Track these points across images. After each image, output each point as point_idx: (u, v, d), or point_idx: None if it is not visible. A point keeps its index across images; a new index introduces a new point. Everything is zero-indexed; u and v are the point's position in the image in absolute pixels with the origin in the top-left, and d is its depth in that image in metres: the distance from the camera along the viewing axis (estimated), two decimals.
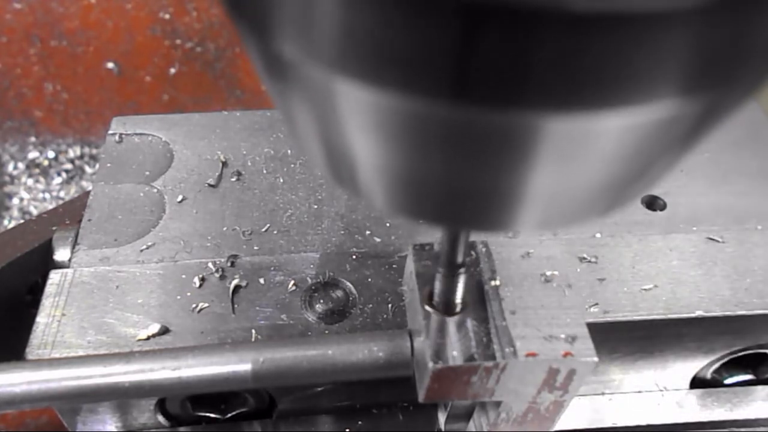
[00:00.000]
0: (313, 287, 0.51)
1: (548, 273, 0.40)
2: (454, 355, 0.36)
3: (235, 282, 0.51)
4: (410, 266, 0.41)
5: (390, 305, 0.50)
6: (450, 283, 0.37)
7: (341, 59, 0.17)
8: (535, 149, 0.18)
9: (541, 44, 0.15)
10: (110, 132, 0.64)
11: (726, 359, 0.54)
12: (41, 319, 0.47)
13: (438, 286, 0.37)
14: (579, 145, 0.18)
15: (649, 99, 0.16)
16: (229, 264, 0.52)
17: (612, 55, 0.15)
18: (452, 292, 0.37)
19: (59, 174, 1.55)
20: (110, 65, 1.43)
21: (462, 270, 0.36)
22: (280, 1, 0.17)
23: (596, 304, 0.49)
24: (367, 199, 0.24)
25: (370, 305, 0.50)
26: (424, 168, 0.20)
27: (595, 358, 0.36)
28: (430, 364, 0.36)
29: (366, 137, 0.20)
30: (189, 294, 0.50)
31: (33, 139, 1.55)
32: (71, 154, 1.56)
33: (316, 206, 0.58)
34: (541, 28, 0.14)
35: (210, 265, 0.52)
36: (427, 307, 0.38)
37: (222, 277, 0.51)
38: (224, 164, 0.61)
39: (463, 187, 0.21)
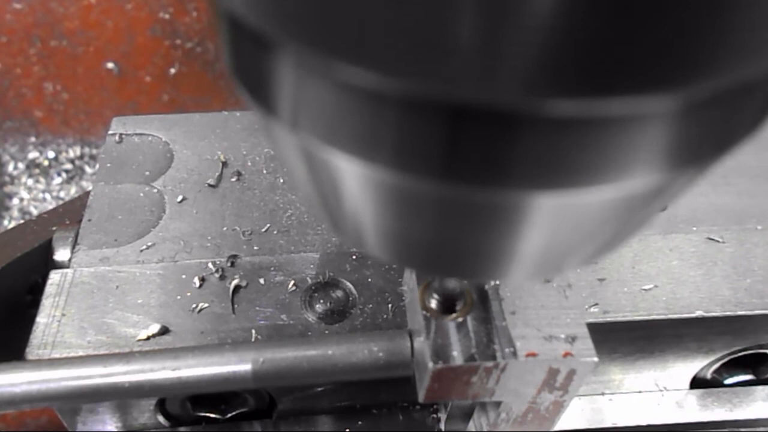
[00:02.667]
0: (313, 287, 0.51)
1: None
2: (454, 355, 0.36)
3: (235, 282, 0.51)
4: None
5: (390, 305, 0.50)
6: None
7: (335, 136, 0.18)
8: (521, 220, 0.20)
9: (521, 138, 0.16)
10: (110, 132, 0.64)
11: (726, 359, 0.54)
12: (41, 319, 0.47)
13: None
14: (563, 216, 0.19)
15: (627, 178, 0.17)
16: (229, 264, 0.52)
17: (588, 147, 0.16)
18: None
19: (59, 174, 1.55)
20: (110, 65, 1.43)
21: (456, 313, 0.37)
22: (279, 80, 0.18)
23: (596, 304, 0.49)
24: (364, 249, 0.25)
25: (370, 305, 0.50)
26: (415, 231, 0.22)
27: (595, 358, 0.36)
28: (430, 364, 0.36)
29: (358, 202, 0.21)
30: (189, 294, 0.50)
31: (33, 139, 1.55)
32: (71, 154, 1.56)
33: None
34: (521, 127, 0.15)
35: (210, 265, 0.52)
36: (427, 307, 0.38)
37: (222, 277, 0.51)
38: (224, 164, 0.61)
39: (453, 248, 0.22)
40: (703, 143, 0.17)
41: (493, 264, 0.23)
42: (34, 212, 1.51)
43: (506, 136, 0.16)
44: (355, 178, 0.19)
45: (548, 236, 0.21)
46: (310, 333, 0.48)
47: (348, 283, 0.51)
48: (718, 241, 0.53)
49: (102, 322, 0.48)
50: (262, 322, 0.48)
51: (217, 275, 0.51)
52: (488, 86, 0.15)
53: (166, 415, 0.51)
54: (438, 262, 0.24)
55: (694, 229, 0.55)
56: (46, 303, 0.48)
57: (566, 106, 0.15)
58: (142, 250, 0.53)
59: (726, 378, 0.56)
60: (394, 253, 0.24)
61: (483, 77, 0.15)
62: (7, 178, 1.54)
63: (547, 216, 0.19)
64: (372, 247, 0.24)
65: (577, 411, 0.54)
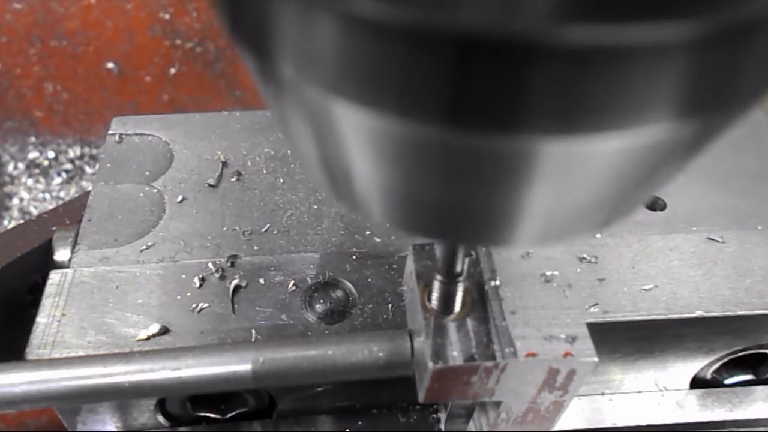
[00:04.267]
0: (313, 287, 0.51)
1: (548, 273, 0.40)
2: (454, 355, 0.36)
3: (235, 282, 0.51)
4: (410, 266, 0.41)
5: (390, 305, 0.50)
6: (449, 290, 0.37)
7: (339, 83, 0.17)
8: (531, 171, 0.19)
9: (533, 75, 0.15)
10: (110, 132, 0.64)
11: (726, 359, 0.54)
12: (41, 319, 0.47)
13: (437, 290, 0.37)
14: (574, 167, 0.18)
15: (642, 123, 0.17)
16: (229, 264, 0.52)
17: (604, 84, 0.15)
18: (451, 298, 0.37)
19: (59, 174, 1.55)
20: (110, 65, 1.43)
21: (461, 278, 0.36)
22: (280, 26, 0.17)
23: (596, 304, 0.49)
24: (364, 214, 0.24)
25: (370, 305, 0.50)
26: (421, 187, 0.21)
27: (595, 358, 0.36)
28: (430, 364, 0.36)
29: (363, 157, 0.20)
30: (189, 294, 0.50)
31: (33, 139, 1.55)
32: (71, 154, 1.56)
33: (316, 206, 0.58)
34: (534, 61, 0.15)
35: (210, 265, 0.52)
36: (427, 307, 0.38)
37: (222, 277, 0.51)
38: (224, 164, 0.61)
39: (460, 205, 0.21)
40: (723, 86, 0.16)
41: (501, 224, 0.22)
42: (34, 212, 1.51)
43: (518, 70, 0.15)
44: (359, 131, 0.19)
45: (559, 192, 0.20)
46: (310, 333, 0.48)
47: (348, 283, 0.51)
48: (718, 241, 0.53)
49: (102, 322, 0.48)
50: (262, 322, 0.48)
51: (217, 275, 0.51)
52: (500, 14, 0.14)
53: (166, 415, 0.51)
54: (444, 224, 0.23)
55: (694, 229, 0.55)
56: (46, 303, 0.48)
57: (585, 34, 0.14)
58: (142, 250, 0.53)
59: (726, 378, 0.56)
60: (398, 217, 0.23)
61: (494, 5, 0.14)
62: (7, 178, 1.54)
63: (559, 167, 0.18)
64: (376, 211, 0.24)
65: (577, 411, 0.54)
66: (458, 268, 0.36)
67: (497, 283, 0.40)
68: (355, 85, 0.17)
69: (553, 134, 0.17)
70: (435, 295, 0.38)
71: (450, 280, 0.36)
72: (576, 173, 0.19)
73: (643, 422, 0.54)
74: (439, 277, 0.36)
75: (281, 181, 0.60)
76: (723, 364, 0.54)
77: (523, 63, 0.15)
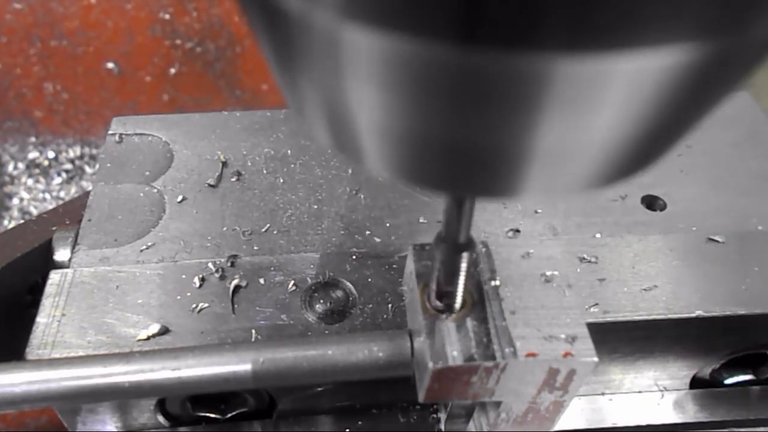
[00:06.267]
0: (313, 287, 0.51)
1: (548, 273, 0.40)
2: (454, 355, 0.36)
3: (235, 282, 0.51)
4: (410, 266, 0.41)
5: (390, 305, 0.50)
6: (452, 266, 0.35)
7: (349, 5, 0.17)
8: (544, 97, 0.18)
9: None
10: (110, 132, 0.64)
11: (726, 359, 0.54)
12: (41, 319, 0.47)
13: (439, 271, 0.36)
14: (588, 92, 0.18)
15: (664, 41, 0.16)
16: (229, 264, 0.52)
17: None
18: (454, 279, 0.36)
19: (59, 174, 1.55)
20: (110, 65, 1.43)
21: (465, 253, 0.34)
22: None
23: (596, 304, 0.49)
24: (368, 164, 0.23)
25: (370, 305, 0.50)
26: (430, 123, 0.20)
27: (595, 358, 0.36)
28: (430, 364, 0.36)
29: (369, 91, 0.20)
30: (189, 294, 0.50)
31: (33, 139, 1.55)
32: (71, 154, 1.56)
33: (316, 206, 0.58)
34: None
35: (210, 265, 0.52)
36: (427, 307, 0.38)
37: (222, 277, 0.51)
38: (224, 164, 0.61)
39: (467, 144, 0.20)
40: (743, 7, 0.16)
41: (511, 167, 0.21)
42: (34, 212, 1.51)
43: None
44: (368, 60, 0.18)
45: (572, 125, 0.19)
46: (310, 333, 0.48)
47: (348, 283, 0.51)
48: (718, 241, 0.53)
49: (102, 322, 0.48)
50: (262, 322, 0.48)
51: (217, 275, 0.51)
52: None
53: (166, 415, 0.51)
54: (450, 169, 0.22)
55: (694, 229, 0.55)
56: (46, 303, 0.48)
57: None
58: (142, 250, 0.53)
59: (726, 378, 0.56)
60: (403, 164, 0.22)
61: None
62: (7, 178, 1.54)
63: (572, 92, 0.17)
64: (380, 159, 0.22)
65: (577, 411, 0.54)
66: (462, 237, 0.34)
67: (497, 283, 0.40)
68: (367, 5, 0.16)
69: (568, 52, 0.16)
70: (435, 294, 0.38)
71: (455, 252, 0.34)
72: (589, 101, 0.18)
73: (643, 422, 0.54)
74: (441, 257, 0.35)
75: (281, 181, 0.60)
76: (723, 364, 0.54)
77: None
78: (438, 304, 0.38)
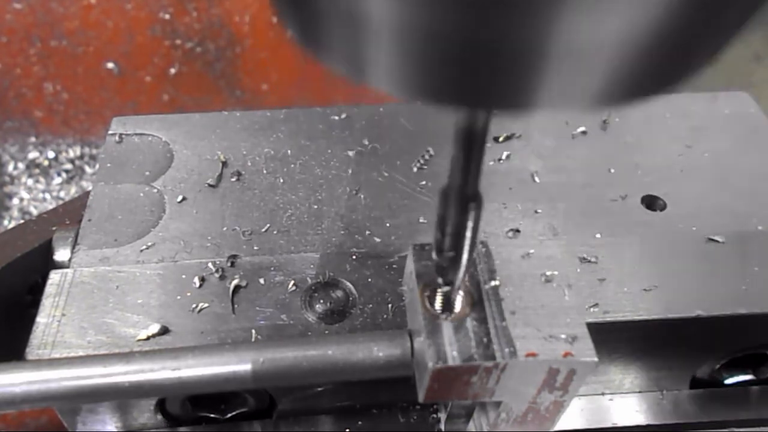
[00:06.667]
0: (313, 287, 0.51)
1: (548, 273, 0.40)
2: (454, 355, 0.36)
3: (235, 282, 0.51)
4: (410, 266, 0.41)
5: (390, 305, 0.50)
6: (457, 224, 0.32)
7: None
8: None
9: None
10: (110, 132, 0.64)
11: (726, 359, 0.54)
12: (41, 319, 0.47)
13: (442, 233, 0.34)
14: None
15: None
16: (229, 264, 0.52)
17: None
18: (458, 241, 0.34)
19: (59, 174, 1.55)
20: (110, 65, 1.43)
21: (473, 205, 0.31)
22: None
23: (596, 304, 0.49)
24: (374, 78, 0.22)
25: (370, 305, 0.50)
26: (443, 20, 0.18)
27: (595, 358, 0.36)
28: (430, 364, 0.36)
29: None
30: (189, 294, 0.50)
31: (33, 139, 1.55)
32: (71, 154, 1.56)
33: (316, 206, 0.58)
34: None
35: (210, 265, 0.52)
36: (427, 307, 0.38)
37: (222, 277, 0.51)
38: (224, 164, 0.61)
39: (482, 44, 0.19)
40: None
41: (528, 71, 0.19)
42: (34, 212, 1.51)
43: None
44: None
45: (595, 18, 0.17)
46: (310, 333, 0.48)
47: (348, 283, 0.51)
48: (718, 241, 0.53)
49: (102, 322, 0.48)
50: (262, 322, 0.48)
51: (217, 275, 0.51)
52: None
53: (166, 415, 0.51)
54: (461, 76, 0.20)
55: (694, 229, 0.55)
56: (46, 303, 0.48)
57: None
58: (142, 250, 0.53)
59: (726, 378, 0.56)
60: (413, 76, 0.21)
61: None
62: (7, 178, 1.54)
63: None
64: (387, 71, 0.21)
65: (577, 411, 0.54)
66: (471, 187, 0.31)
67: (497, 283, 0.40)
68: None
69: None
70: (435, 294, 0.38)
71: (460, 206, 0.31)
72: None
73: (643, 422, 0.54)
74: (442, 210, 0.32)
75: (281, 181, 0.60)
76: (723, 364, 0.54)
77: None
78: (437, 303, 0.38)
